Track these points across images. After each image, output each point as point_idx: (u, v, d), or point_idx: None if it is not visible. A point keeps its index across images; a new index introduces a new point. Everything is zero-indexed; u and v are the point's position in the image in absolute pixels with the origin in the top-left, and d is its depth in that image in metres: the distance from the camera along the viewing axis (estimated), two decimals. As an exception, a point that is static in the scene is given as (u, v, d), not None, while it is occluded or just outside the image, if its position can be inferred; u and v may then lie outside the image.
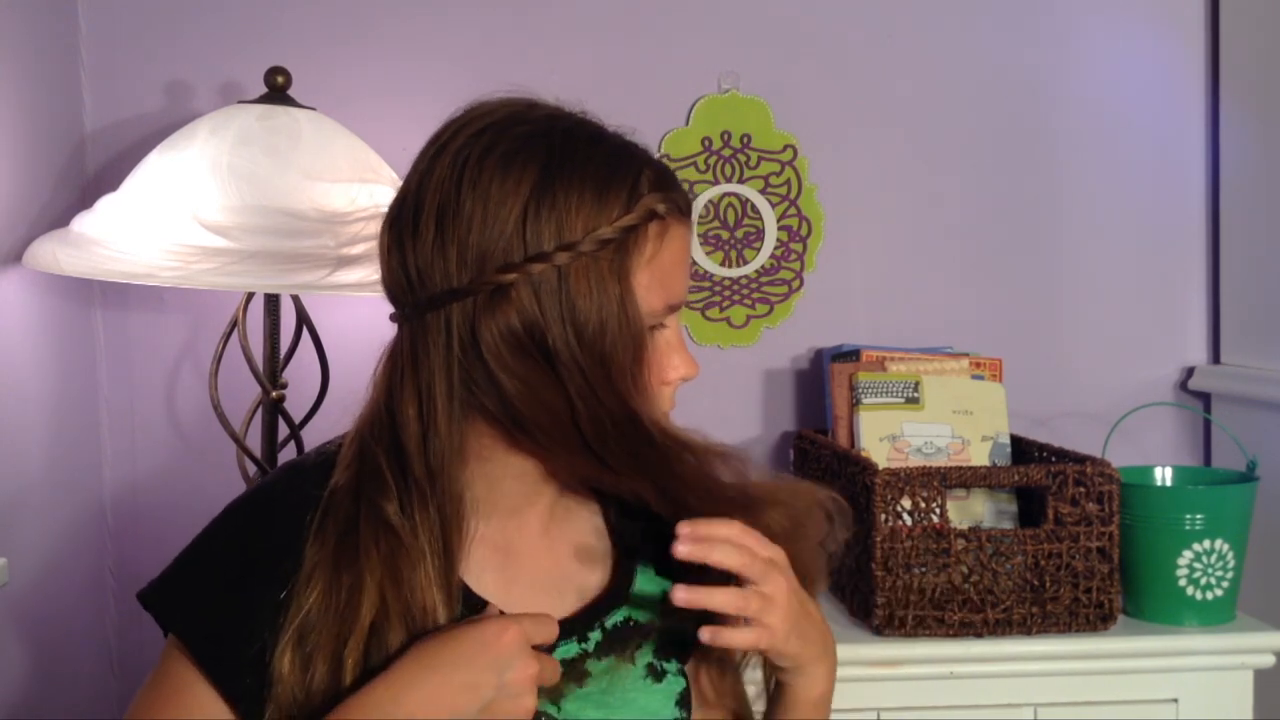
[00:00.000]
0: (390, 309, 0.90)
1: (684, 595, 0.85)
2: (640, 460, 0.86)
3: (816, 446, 1.60)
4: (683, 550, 0.85)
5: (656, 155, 0.93)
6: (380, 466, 0.87)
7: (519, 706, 0.81)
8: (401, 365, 0.87)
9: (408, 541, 0.85)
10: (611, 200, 0.84)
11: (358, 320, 1.70)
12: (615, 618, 0.94)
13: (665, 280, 0.87)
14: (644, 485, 0.88)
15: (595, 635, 0.93)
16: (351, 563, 0.84)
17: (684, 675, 0.97)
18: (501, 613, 0.87)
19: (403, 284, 0.86)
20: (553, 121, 0.87)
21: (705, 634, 0.86)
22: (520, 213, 0.82)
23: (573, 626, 0.92)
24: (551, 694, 0.88)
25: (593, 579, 0.96)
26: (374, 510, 0.86)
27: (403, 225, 0.86)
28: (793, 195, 1.78)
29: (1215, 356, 1.83)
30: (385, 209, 1.46)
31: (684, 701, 0.96)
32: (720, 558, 0.85)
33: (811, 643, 0.91)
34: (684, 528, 0.85)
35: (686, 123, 1.76)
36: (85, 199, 1.61)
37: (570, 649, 0.92)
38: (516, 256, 0.82)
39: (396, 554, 0.85)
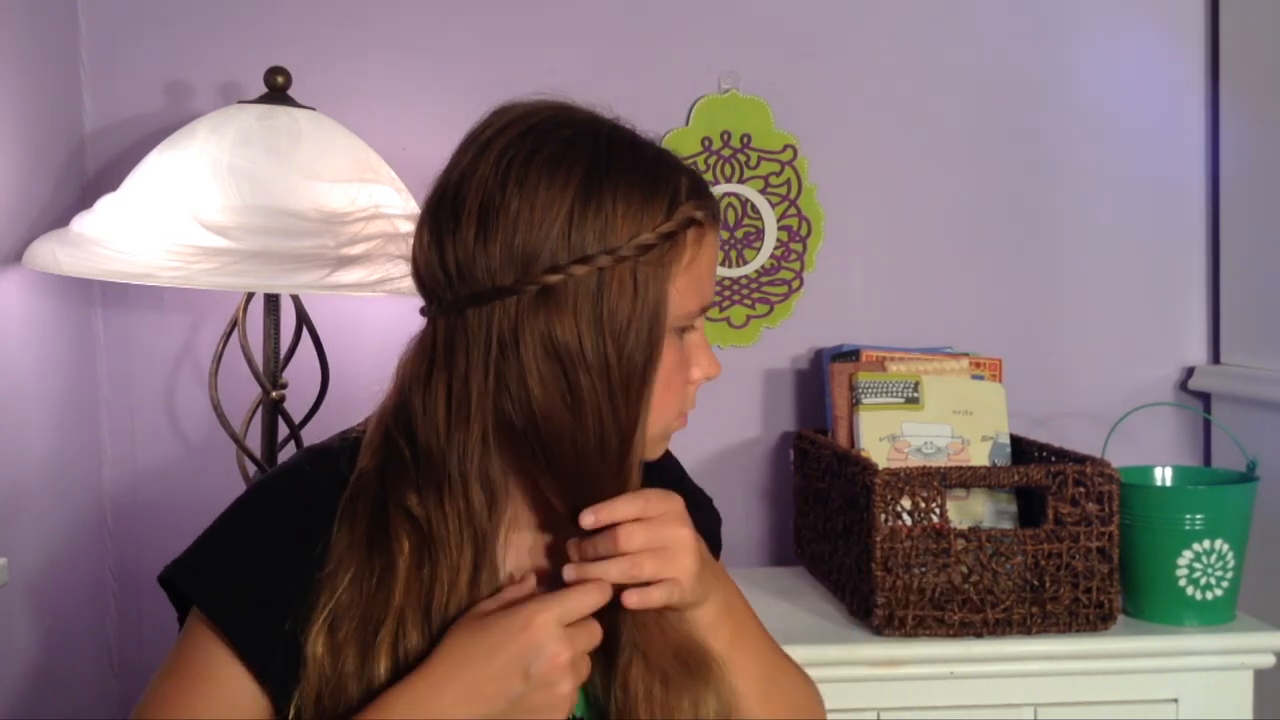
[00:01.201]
0: (414, 304, 0.90)
1: (572, 572, 0.86)
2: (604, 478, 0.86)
3: (816, 446, 1.60)
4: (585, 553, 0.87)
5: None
6: (405, 457, 0.87)
7: (554, 696, 0.82)
8: (434, 360, 0.86)
9: (433, 534, 0.86)
10: (654, 207, 0.85)
11: (358, 320, 1.70)
12: None
13: (699, 284, 0.88)
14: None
15: None
16: (383, 549, 0.85)
17: None
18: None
19: (439, 278, 0.86)
20: (595, 126, 0.88)
21: (631, 599, 0.86)
22: (566, 215, 0.83)
23: None
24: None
25: None
26: (400, 499, 0.86)
27: (442, 219, 0.86)
28: (793, 195, 1.78)
29: (1215, 356, 1.83)
30: (385, 209, 1.47)
31: None
32: (610, 559, 0.87)
33: (706, 582, 0.92)
34: (587, 516, 0.86)
35: (686, 123, 1.76)
36: (85, 199, 1.61)
37: None
38: (561, 259, 0.82)
39: (422, 546, 0.86)
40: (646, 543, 0.86)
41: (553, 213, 0.82)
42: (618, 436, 0.85)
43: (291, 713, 0.83)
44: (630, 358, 0.84)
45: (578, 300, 0.82)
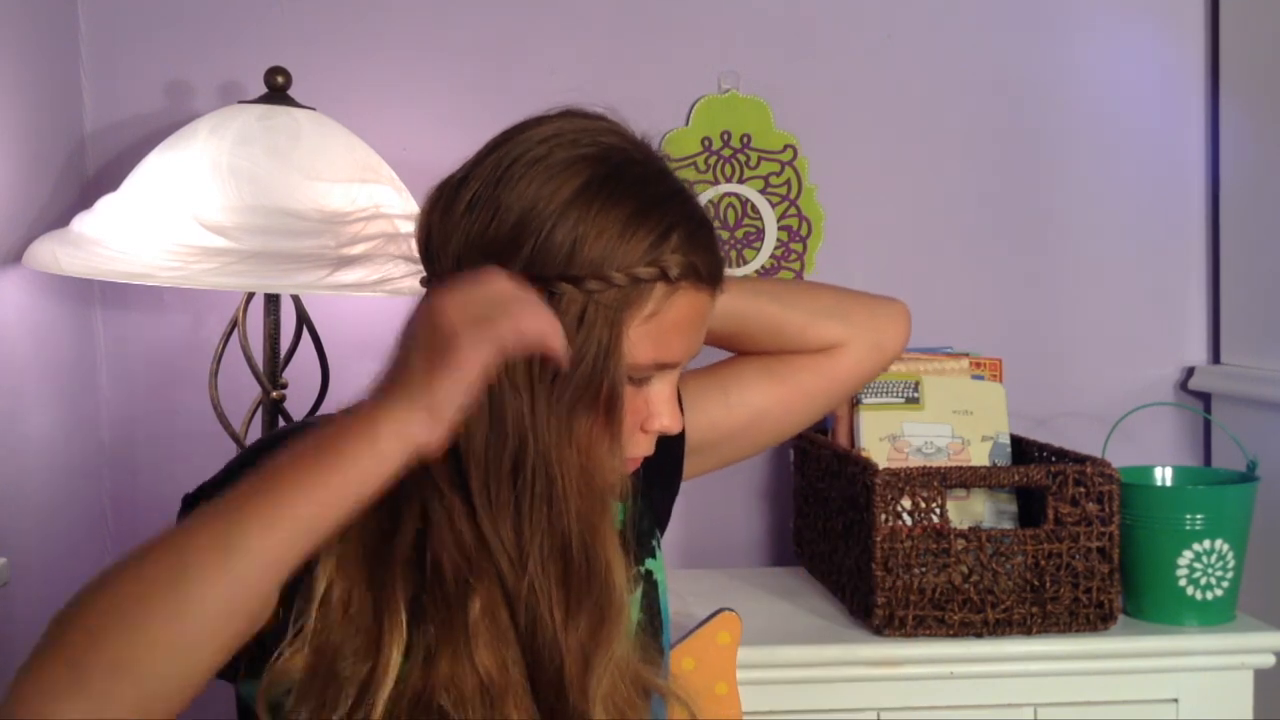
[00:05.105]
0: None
1: None
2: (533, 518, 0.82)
3: (816, 446, 1.60)
4: None
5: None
6: None
7: (517, 313, 0.76)
8: None
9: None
10: (633, 244, 0.81)
11: (358, 320, 1.70)
12: None
13: (660, 340, 0.84)
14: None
15: None
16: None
17: None
18: None
19: (425, 250, 0.87)
20: (615, 150, 0.85)
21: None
22: (537, 227, 0.81)
23: None
24: None
25: None
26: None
27: (441, 193, 0.86)
28: (793, 195, 1.78)
29: (1215, 356, 1.83)
30: (385, 209, 1.47)
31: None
32: None
33: None
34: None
35: (686, 123, 1.76)
36: (85, 199, 1.60)
37: None
38: (517, 265, 0.80)
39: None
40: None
41: (528, 217, 0.81)
42: (544, 468, 0.80)
43: (292, 628, 0.81)
44: (570, 397, 0.81)
45: None
